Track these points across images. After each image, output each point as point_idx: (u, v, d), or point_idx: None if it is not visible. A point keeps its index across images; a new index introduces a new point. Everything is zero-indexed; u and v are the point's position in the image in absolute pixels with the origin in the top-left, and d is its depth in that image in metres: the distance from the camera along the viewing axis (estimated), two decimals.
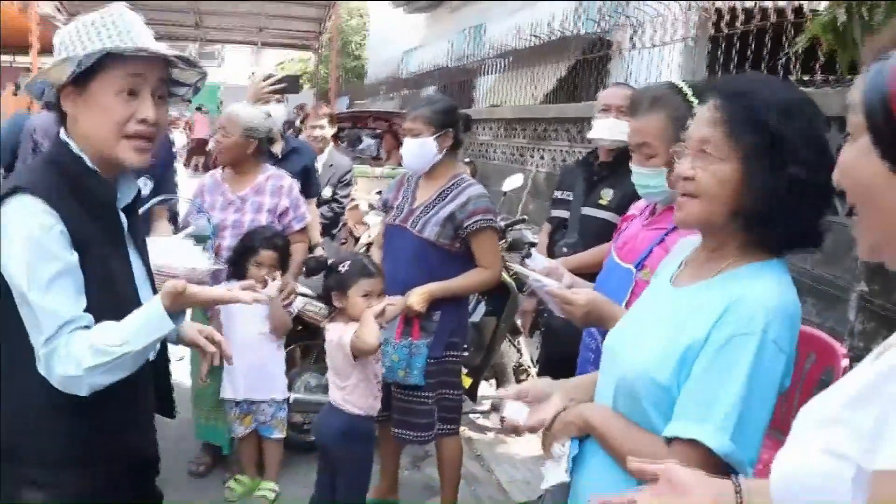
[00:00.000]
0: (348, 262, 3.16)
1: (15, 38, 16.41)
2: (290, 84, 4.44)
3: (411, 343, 3.32)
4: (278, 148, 4.70)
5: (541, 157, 7.20)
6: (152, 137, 1.81)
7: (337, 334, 3.08)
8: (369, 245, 6.35)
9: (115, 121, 1.76)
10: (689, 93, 2.13)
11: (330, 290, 3.14)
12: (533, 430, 1.70)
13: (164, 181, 3.54)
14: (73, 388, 1.70)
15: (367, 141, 10.95)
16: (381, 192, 7.70)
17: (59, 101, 1.80)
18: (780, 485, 1.02)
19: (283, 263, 3.78)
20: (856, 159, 0.96)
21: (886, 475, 0.85)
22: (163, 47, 1.81)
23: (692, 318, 1.47)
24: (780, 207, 1.42)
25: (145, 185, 3.27)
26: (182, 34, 19.69)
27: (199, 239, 3.51)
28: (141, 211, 2.29)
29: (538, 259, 2.49)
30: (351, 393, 3.12)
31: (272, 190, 3.92)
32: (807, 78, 3.88)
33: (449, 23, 14.65)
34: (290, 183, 4.00)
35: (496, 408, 1.66)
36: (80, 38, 1.75)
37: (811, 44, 3.31)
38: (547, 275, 2.19)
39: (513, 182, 5.26)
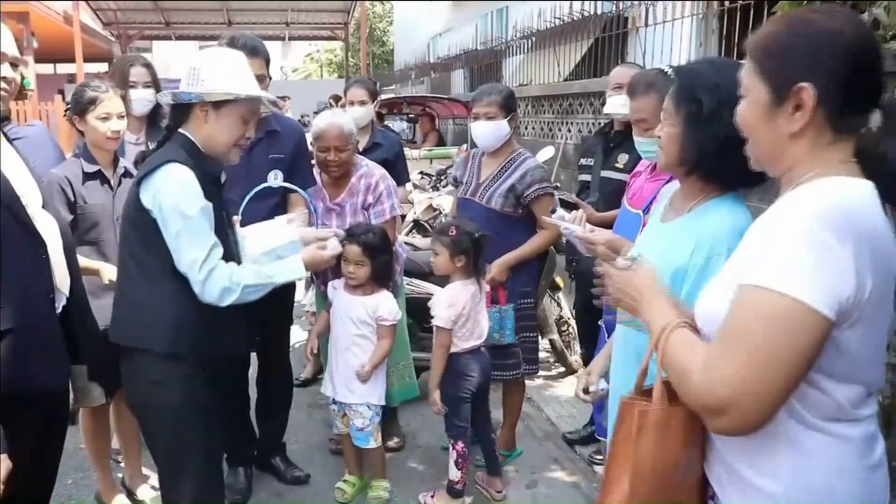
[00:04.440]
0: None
1: (58, 49, 17.20)
2: None
3: (500, 308, 3.91)
4: (363, 142, 4.84)
5: (568, 130, 7.67)
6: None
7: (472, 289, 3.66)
8: (415, 222, 6.90)
9: (235, 137, 2.62)
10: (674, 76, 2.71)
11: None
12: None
13: (296, 172, 3.74)
14: (222, 298, 2.50)
15: (402, 125, 11.45)
16: (421, 173, 8.28)
17: (187, 109, 2.57)
18: (700, 319, 1.54)
19: (373, 255, 3.59)
20: (744, 109, 1.53)
21: (744, 287, 1.34)
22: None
23: (675, 246, 1.96)
24: (709, 156, 1.91)
25: (276, 177, 3.66)
26: (213, 33, 20.27)
27: None
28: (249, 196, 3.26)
29: (560, 214, 3.10)
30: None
31: (364, 188, 3.96)
32: None
33: (473, 6, 15.07)
34: (378, 179, 3.98)
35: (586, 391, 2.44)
36: (222, 73, 2.55)
37: None
38: (572, 222, 2.79)
39: (544, 154, 5.72)
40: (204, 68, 2.54)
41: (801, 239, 1.29)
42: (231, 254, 2.66)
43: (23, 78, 10.45)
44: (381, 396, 3.79)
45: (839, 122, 1.41)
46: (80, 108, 3.32)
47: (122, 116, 3.37)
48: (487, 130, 3.92)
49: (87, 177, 3.32)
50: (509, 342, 3.95)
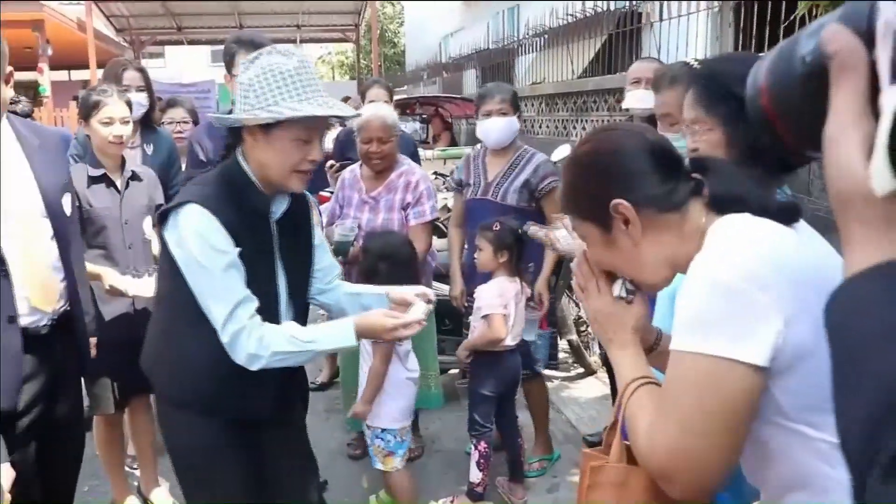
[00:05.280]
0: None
1: (73, 56, 17.25)
2: None
3: (539, 333, 3.95)
4: None
5: (584, 128, 7.61)
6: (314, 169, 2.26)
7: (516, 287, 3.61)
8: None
9: (290, 163, 2.15)
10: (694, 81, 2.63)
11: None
12: None
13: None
14: (250, 364, 2.14)
15: (415, 125, 11.41)
16: (435, 173, 8.24)
17: (239, 130, 2.20)
18: None
19: (394, 271, 3.24)
20: (593, 255, 1.49)
21: (671, 353, 1.28)
22: (339, 108, 2.20)
23: None
24: (761, 152, 1.76)
25: None
26: (225, 38, 20.26)
27: (341, 245, 3.66)
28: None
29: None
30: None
31: (403, 186, 3.85)
32: None
33: (484, 6, 15.02)
34: (419, 178, 3.89)
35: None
36: (270, 90, 2.09)
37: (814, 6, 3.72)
38: None
39: (561, 152, 5.68)
40: (249, 85, 2.13)
41: (713, 292, 1.22)
42: (271, 305, 2.27)
43: (38, 85, 10.64)
44: (391, 421, 3.42)
45: (667, 204, 1.39)
46: (84, 112, 3.30)
47: (126, 121, 3.32)
48: (502, 126, 3.92)
49: (92, 180, 3.28)
50: (539, 369, 4.11)
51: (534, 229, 3.31)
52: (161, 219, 2.19)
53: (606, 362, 4.63)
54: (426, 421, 4.66)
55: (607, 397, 4.91)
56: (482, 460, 3.68)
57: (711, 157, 1.46)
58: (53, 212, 2.50)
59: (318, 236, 2.54)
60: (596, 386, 5.39)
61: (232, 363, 2.15)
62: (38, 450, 2.51)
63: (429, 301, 2.39)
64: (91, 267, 3.07)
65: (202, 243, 2.10)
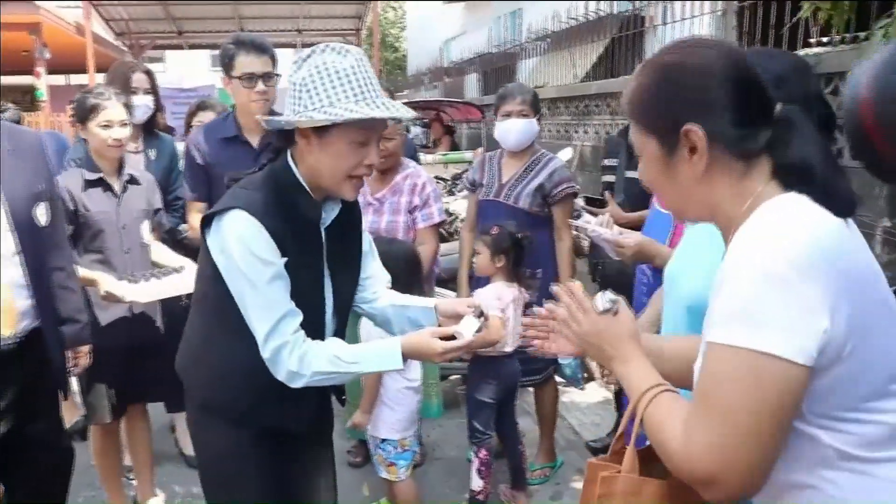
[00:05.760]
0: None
1: (71, 60, 17.21)
2: None
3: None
4: None
5: (585, 132, 7.56)
6: (369, 175, 2.15)
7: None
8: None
9: (346, 168, 2.03)
10: None
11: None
12: None
13: None
14: (290, 381, 2.06)
15: (415, 130, 11.36)
16: (436, 178, 8.19)
17: (290, 133, 2.06)
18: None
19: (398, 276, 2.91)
20: (645, 169, 1.44)
21: (709, 345, 1.23)
22: (399, 109, 2.04)
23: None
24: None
25: None
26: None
27: None
28: None
29: (587, 217, 2.99)
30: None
31: (409, 189, 3.78)
32: (825, 39, 4.23)
33: (486, 10, 15.01)
34: (426, 180, 3.84)
35: None
36: (325, 90, 1.95)
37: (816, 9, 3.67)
38: (600, 225, 2.67)
39: (563, 155, 5.64)
40: (303, 84, 1.99)
41: (761, 282, 1.17)
42: (317, 317, 2.18)
43: (35, 89, 10.70)
44: (389, 431, 3.36)
45: (740, 149, 1.32)
46: (81, 115, 3.23)
47: (125, 124, 3.26)
48: (521, 128, 3.85)
49: (89, 184, 3.22)
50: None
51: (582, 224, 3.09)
52: (205, 223, 2.10)
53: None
54: (427, 428, 4.61)
55: (609, 402, 4.87)
56: (483, 468, 3.62)
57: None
58: (20, 225, 2.42)
59: (367, 242, 2.42)
60: (598, 392, 5.33)
61: (271, 375, 2.07)
62: (14, 465, 2.46)
63: (480, 314, 2.18)
64: (86, 272, 3.01)
65: (246, 253, 2.00)
